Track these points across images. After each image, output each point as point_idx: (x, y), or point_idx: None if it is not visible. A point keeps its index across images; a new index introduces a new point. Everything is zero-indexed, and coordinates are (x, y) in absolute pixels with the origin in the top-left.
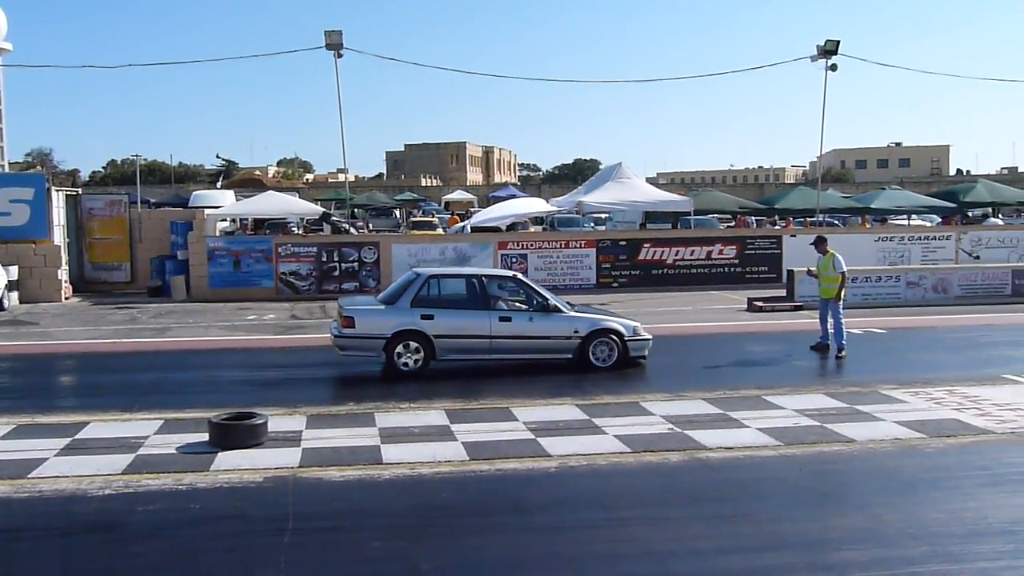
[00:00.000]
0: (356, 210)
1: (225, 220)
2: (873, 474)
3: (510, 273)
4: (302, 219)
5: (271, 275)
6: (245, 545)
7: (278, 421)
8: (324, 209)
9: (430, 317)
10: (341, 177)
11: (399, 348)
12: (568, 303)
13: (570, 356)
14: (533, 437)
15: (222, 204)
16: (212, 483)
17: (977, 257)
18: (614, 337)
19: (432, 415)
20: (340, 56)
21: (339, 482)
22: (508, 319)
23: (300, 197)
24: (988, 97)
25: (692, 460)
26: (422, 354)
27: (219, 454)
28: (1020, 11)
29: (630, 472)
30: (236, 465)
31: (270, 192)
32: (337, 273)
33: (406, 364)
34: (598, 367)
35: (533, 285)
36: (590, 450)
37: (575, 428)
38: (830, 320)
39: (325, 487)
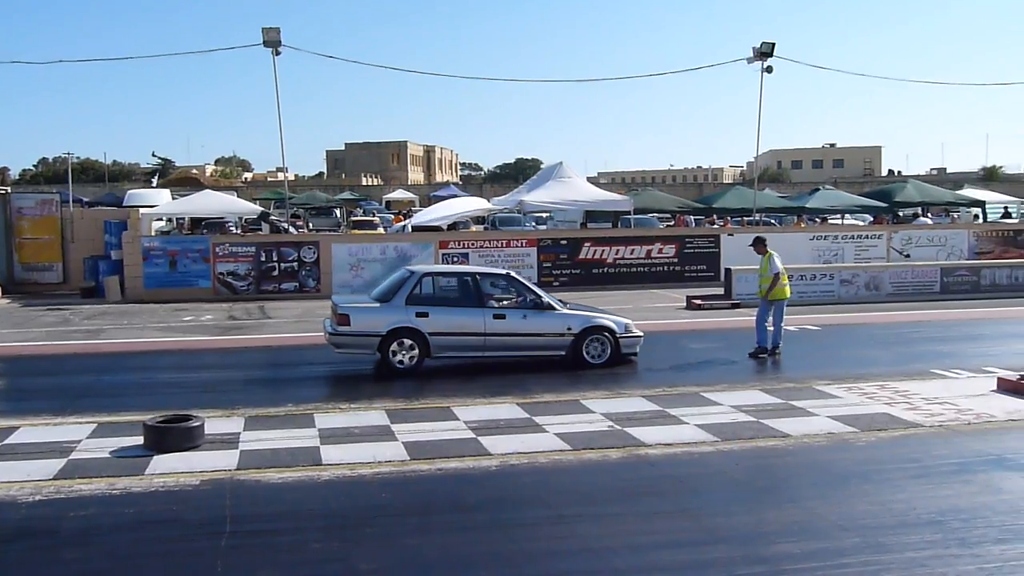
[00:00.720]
0: (298, 209)
1: (161, 219)
2: (807, 468)
3: (504, 271)
4: (240, 218)
5: (208, 275)
6: (181, 549)
7: (215, 423)
8: (262, 208)
9: (425, 315)
10: (280, 176)
11: (394, 346)
12: (561, 300)
13: (563, 353)
14: (474, 436)
15: (158, 203)
16: (147, 487)
17: (908, 256)
18: (607, 334)
19: (372, 415)
20: (278, 54)
21: (278, 484)
22: (502, 316)
23: (238, 196)
24: (918, 99)
25: (632, 457)
26: (417, 352)
27: (154, 457)
28: (949, 15)
29: (570, 469)
30: (172, 468)
31: (207, 191)
32: (276, 273)
33: (401, 362)
34: (592, 364)
35: (527, 283)
36: (531, 448)
37: (516, 427)
38: (769, 320)
39: (264, 489)
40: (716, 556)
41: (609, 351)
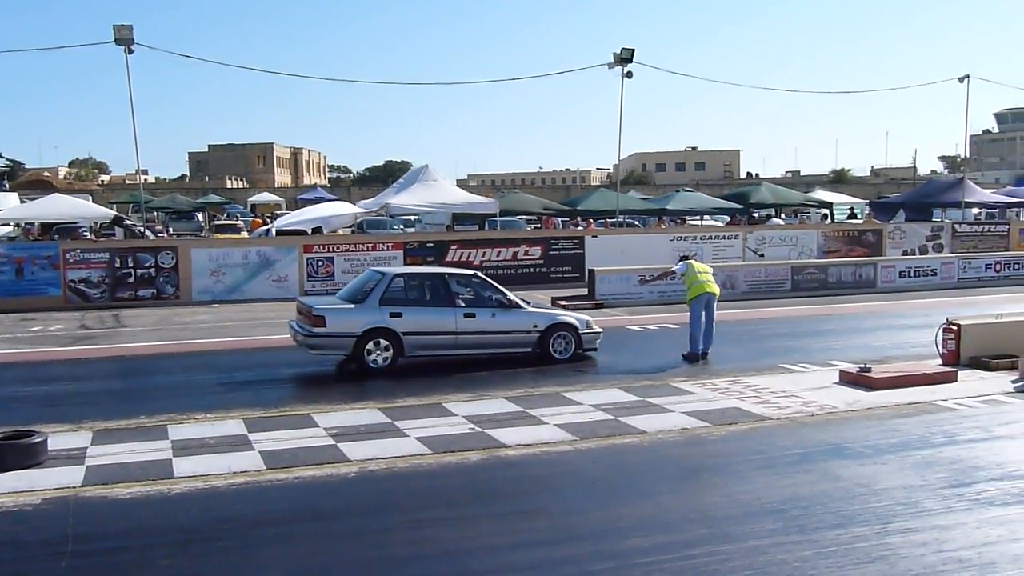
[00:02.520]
0: (157, 213)
1: (8, 224)
2: (661, 463)
3: (472, 272)
4: (95, 223)
5: (59, 283)
6: (16, 573)
7: (60, 438)
8: (116, 213)
9: (399, 315)
10: (138, 179)
11: (369, 346)
12: (525, 300)
13: (529, 350)
14: (333, 443)
15: (4, 207)
16: None
17: (762, 255)
18: (570, 331)
19: (229, 424)
20: (131, 52)
21: (125, 500)
22: (472, 315)
23: (94, 200)
24: (774, 105)
25: (491, 458)
26: (391, 351)
27: None
28: (801, 26)
29: (430, 473)
30: (11, 488)
31: (56, 195)
32: (132, 280)
33: (375, 361)
34: (557, 359)
35: (494, 283)
36: (391, 453)
37: (376, 432)
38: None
39: (110, 506)
40: (570, 553)
41: (573, 346)
